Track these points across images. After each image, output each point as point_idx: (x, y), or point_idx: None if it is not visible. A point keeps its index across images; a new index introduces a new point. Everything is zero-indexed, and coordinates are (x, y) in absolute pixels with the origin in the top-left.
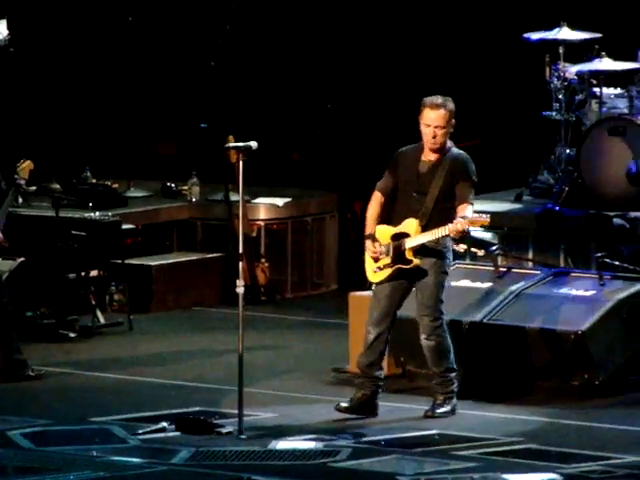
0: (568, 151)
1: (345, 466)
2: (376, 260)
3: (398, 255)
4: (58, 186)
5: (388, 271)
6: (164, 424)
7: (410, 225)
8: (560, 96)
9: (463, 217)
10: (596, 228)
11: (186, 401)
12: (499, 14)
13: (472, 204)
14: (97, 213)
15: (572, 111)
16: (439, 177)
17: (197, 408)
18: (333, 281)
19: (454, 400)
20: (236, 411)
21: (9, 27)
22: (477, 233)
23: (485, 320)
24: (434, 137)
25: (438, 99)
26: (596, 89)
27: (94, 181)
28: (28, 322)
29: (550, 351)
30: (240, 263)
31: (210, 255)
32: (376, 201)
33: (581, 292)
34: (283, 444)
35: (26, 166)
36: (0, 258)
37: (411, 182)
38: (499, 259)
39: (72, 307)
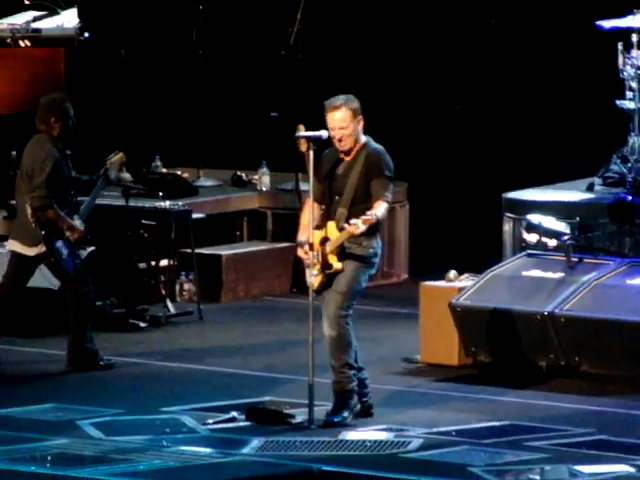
0: None
1: (416, 457)
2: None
3: (323, 260)
4: (128, 175)
5: (320, 277)
6: (234, 414)
7: (330, 228)
8: (633, 84)
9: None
10: None
11: (256, 391)
12: (571, 2)
13: (388, 201)
14: (167, 202)
15: None
16: (354, 176)
17: (267, 398)
18: (404, 271)
19: (353, 400)
20: (307, 401)
21: (80, 15)
22: (549, 223)
23: (557, 311)
24: (340, 140)
25: (337, 100)
26: None
27: (164, 170)
28: (98, 312)
29: (624, 342)
30: (310, 253)
31: (280, 245)
32: (307, 206)
33: None
34: (353, 435)
35: (118, 159)
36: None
37: (331, 185)
38: (571, 249)
39: (142, 297)
